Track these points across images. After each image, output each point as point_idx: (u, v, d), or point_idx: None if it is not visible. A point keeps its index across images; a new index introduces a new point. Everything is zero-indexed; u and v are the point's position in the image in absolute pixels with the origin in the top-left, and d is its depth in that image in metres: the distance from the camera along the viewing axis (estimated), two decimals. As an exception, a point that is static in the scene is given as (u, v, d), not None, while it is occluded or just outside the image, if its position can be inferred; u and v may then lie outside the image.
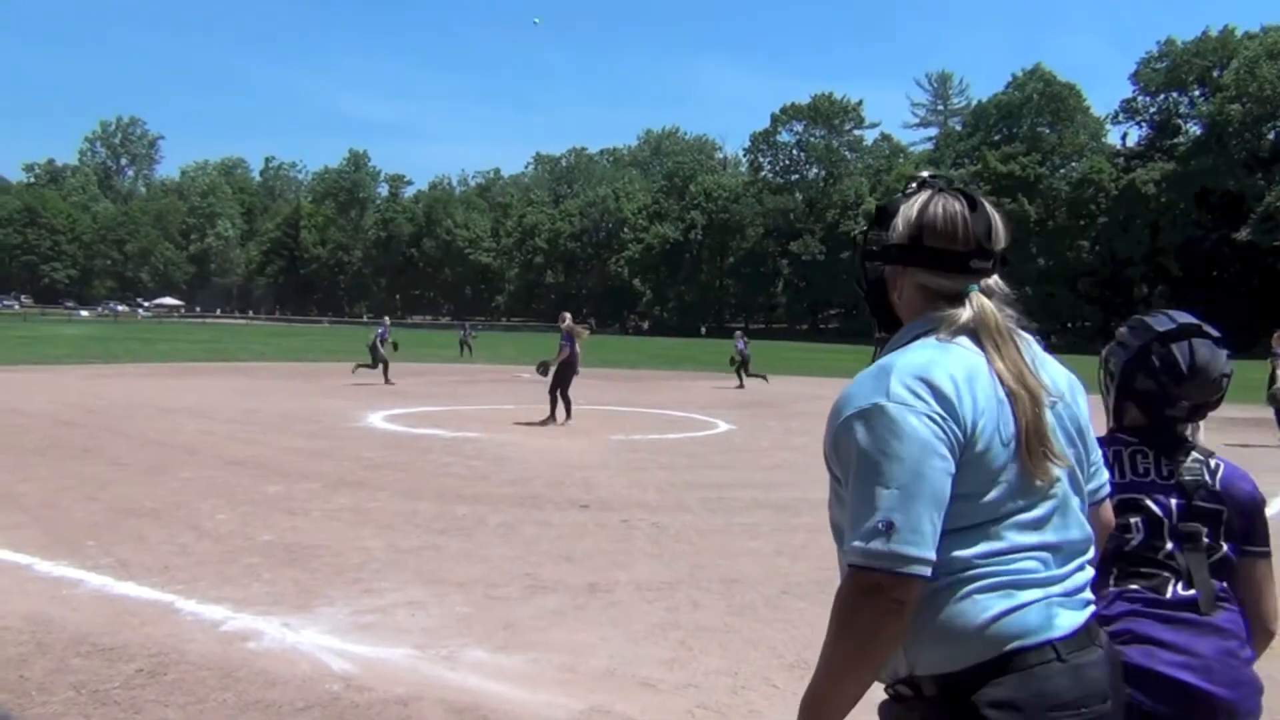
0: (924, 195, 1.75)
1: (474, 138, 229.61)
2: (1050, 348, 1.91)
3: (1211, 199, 71.79)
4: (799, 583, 6.33)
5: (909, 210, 1.75)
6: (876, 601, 1.49)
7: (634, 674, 4.60)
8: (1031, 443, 1.58)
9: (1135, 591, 2.07)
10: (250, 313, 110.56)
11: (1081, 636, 1.58)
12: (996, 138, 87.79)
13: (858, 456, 1.55)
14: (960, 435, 1.54)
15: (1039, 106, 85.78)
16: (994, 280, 1.73)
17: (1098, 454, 1.82)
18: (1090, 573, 1.68)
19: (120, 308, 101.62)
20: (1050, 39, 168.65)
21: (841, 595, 1.54)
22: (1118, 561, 2.10)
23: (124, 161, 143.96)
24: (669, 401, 20.58)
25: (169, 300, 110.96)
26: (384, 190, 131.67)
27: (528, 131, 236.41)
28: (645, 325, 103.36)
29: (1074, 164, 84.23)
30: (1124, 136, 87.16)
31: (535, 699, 4.33)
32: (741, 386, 24.94)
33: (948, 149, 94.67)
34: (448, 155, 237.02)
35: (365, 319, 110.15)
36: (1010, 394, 1.60)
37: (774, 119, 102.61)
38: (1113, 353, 2.36)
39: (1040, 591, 1.56)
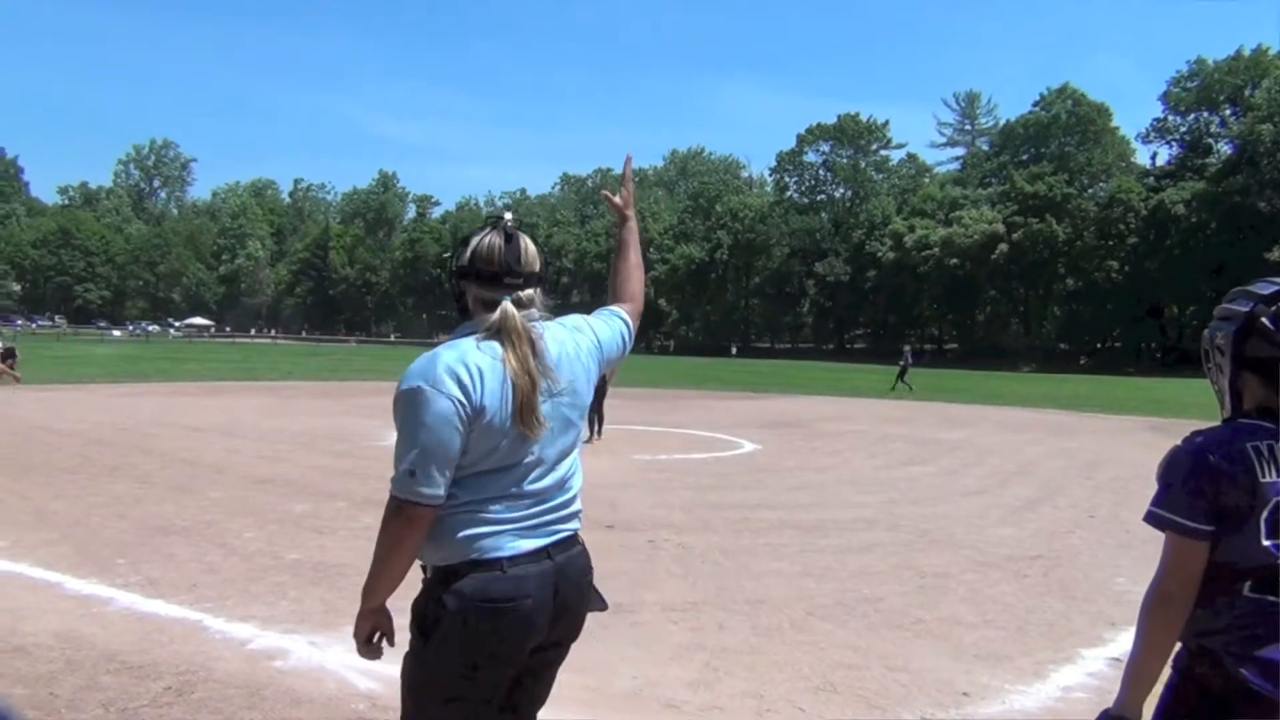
0: (484, 231, 2.44)
1: (501, 159, 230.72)
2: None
3: (1242, 219, 71.03)
4: (825, 604, 6.29)
5: (471, 241, 2.43)
6: (400, 517, 2.25)
7: (658, 695, 4.58)
8: (524, 414, 2.27)
9: (1269, 603, 2.01)
10: (273, 332, 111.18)
11: (530, 555, 2.30)
12: (1024, 157, 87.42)
13: (402, 420, 2.25)
14: (470, 412, 2.21)
15: (1067, 126, 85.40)
16: (528, 293, 2.43)
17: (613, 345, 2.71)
18: (565, 512, 2.42)
19: (151, 328, 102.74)
20: (1079, 60, 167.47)
21: (385, 510, 2.28)
22: (1256, 573, 2.03)
23: (156, 183, 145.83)
24: (694, 421, 20.53)
25: (199, 320, 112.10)
26: (412, 211, 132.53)
27: (554, 152, 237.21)
28: (671, 345, 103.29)
29: (1102, 184, 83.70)
30: (1153, 156, 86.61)
31: (559, 716, 4.31)
32: None
33: (974, 169, 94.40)
34: (474, 176, 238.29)
35: (393, 338, 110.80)
36: (513, 381, 2.26)
37: (800, 139, 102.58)
38: (1217, 328, 2.24)
39: (502, 526, 2.29)
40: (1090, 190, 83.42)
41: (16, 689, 4.43)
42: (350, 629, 5.46)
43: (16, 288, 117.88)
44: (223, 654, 5.02)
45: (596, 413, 15.90)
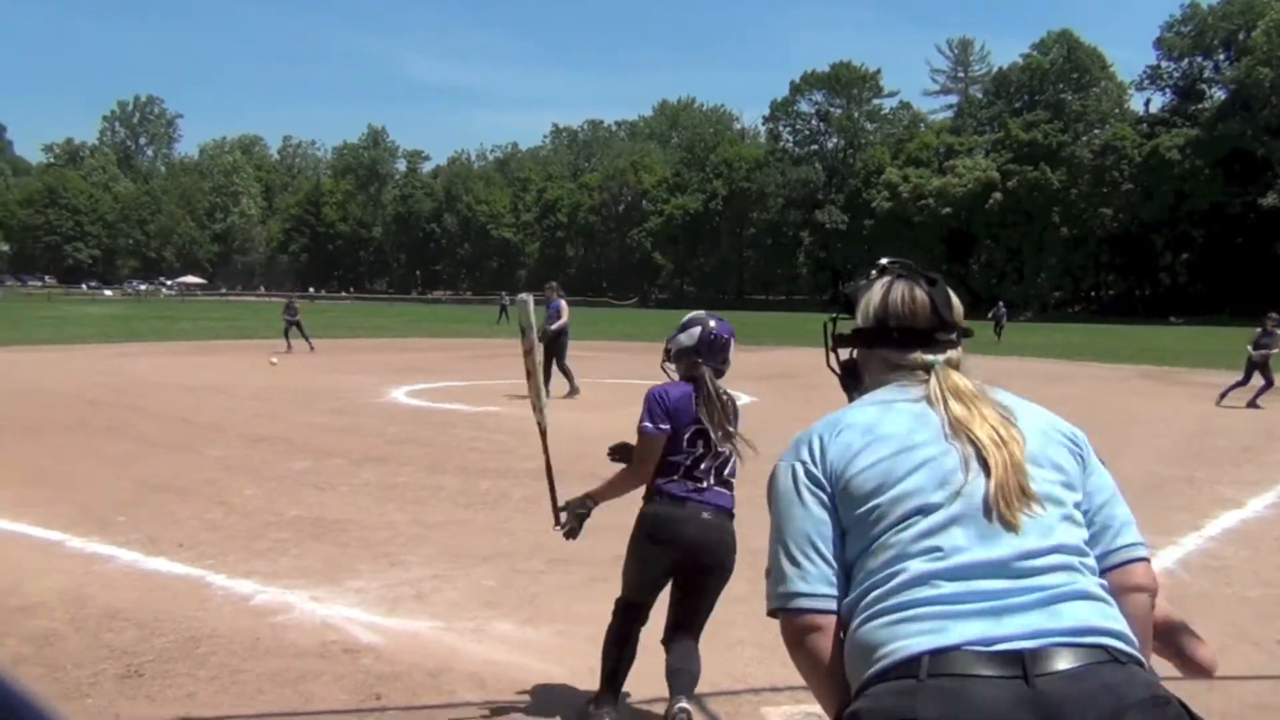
0: (884, 281, 1.88)
1: (491, 109, 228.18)
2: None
3: (1237, 165, 70.78)
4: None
5: (872, 297, 1.87)
6: (784, 636, 1.69)
7: (660, 645, 4.63)
8: (1005, 488, 1.61)
9: None
10: (261, 289, 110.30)
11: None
12: (1018, 105, 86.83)
13: None
14: (821, 475, 1.68)
15: (1062, 72, 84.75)
16: (958, 353, 1.84)
17: (1112, 507, 1.77)
18: (1059, 589, 1.56)
19: (142, 286, 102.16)
20: (1071, 5, 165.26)
21: None
22: None
23: (143, 141, 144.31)
24: (690, 374, 20.45)
25: (192, 279, 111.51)
26: (402, 165, 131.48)
27: (543, 102, 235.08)
28: (666, 298, 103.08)
29: (1097, 131, 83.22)
30: (1147, 103, 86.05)
31: (561, 670, 4.37)
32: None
33: (969, 117, 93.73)
34: (464, 129, 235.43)
35: (387, 294, 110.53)
36: (975, 442, 1.66)
37: (793, 88, 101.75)
38: None
39: (916, 609, 1.53)
40: (1085, 138, 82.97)
41: (23, 647, 4.47)
42: (353, 583, 5.52)
43: (5, 248, 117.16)
44: (225, 610, 5.06)
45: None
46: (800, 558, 1.66)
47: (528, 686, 4.18)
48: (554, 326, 15.62)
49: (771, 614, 1.72)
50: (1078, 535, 1.65)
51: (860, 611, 1.58)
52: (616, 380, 17.98)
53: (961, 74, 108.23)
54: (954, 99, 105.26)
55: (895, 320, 1.82)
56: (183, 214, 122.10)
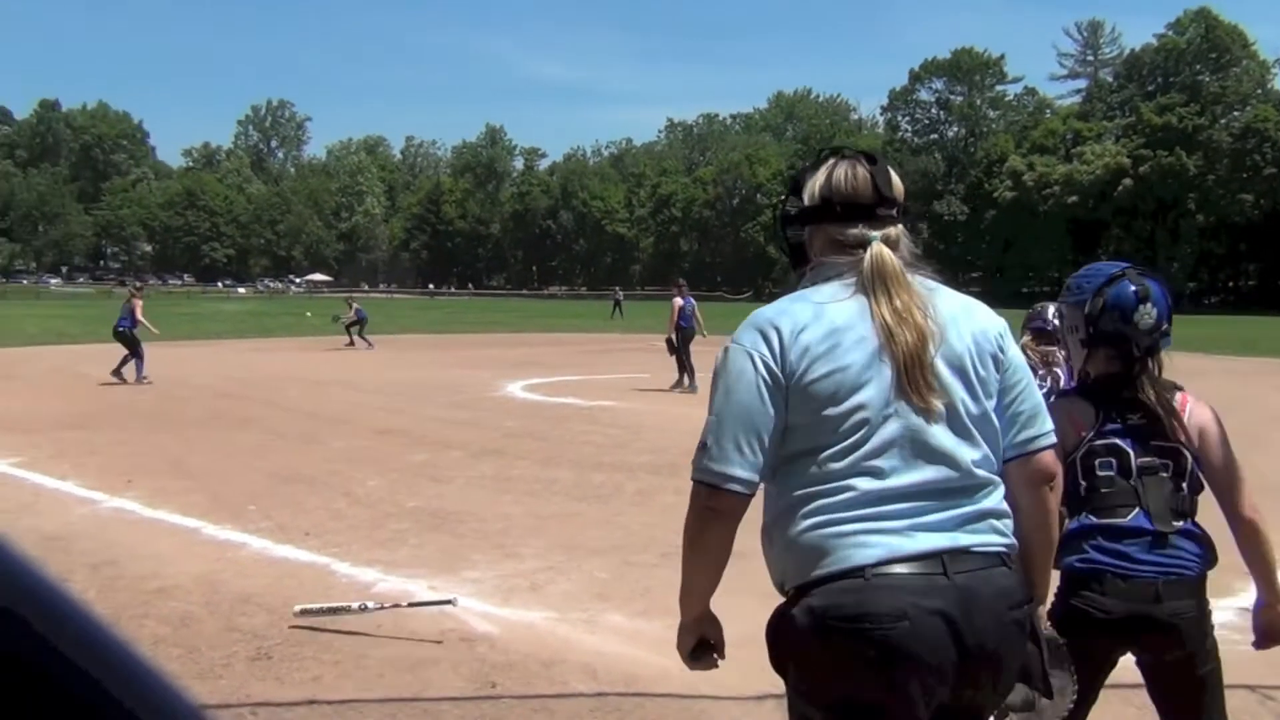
0: (830, 162, 1.98)
1: (611, 100, 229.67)
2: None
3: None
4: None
5: (816, 177, 1.97)
6: (697, 507, 1.88)
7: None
8: (911, 375, 1.80)
9: None
10: (383, 285, 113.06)
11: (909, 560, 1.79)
12: (1151, 88, 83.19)
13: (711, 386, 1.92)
14: (780, 372, 1.81)
15: (1199, 53, 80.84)
16: (897, 232, 1.93)
17: (1023, 401, 1.95)
18: (968, 509, 1.83)
19: (273, 284, 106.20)
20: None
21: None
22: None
23: (274, 144, 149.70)
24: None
25: (319, 276, 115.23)
26: (519, 163, 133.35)
27: (660, 96, 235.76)
28: (779, 292, 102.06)
29: (1237, 113, 79.14)
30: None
31: (673, 663, 4.35)
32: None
33: (1098, 101, 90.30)
34: (584, 120, 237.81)
35: (505, 289, 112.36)
36: (888, 334, 1.81)
37: (913, 76, 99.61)
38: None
39: (862, 524, 1.79)
40: (1224, 120, 78.99)
41: (161, 628, 4.70)
42: (469, 573, 5.62)
43: (148, 249, 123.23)
44: (349, 597, 5.21)
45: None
46: (744, 445, 1.82)
47: (640, 678, 4.20)
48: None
49: (694, 480, 1.88)
50: (991, 443, 1.89)
51: (806, 516, 1.82)
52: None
53: (1091, 57, 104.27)
54: (1082, 83, 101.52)
55: (839, 196, 1.92)
56: (310, 214, 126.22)
